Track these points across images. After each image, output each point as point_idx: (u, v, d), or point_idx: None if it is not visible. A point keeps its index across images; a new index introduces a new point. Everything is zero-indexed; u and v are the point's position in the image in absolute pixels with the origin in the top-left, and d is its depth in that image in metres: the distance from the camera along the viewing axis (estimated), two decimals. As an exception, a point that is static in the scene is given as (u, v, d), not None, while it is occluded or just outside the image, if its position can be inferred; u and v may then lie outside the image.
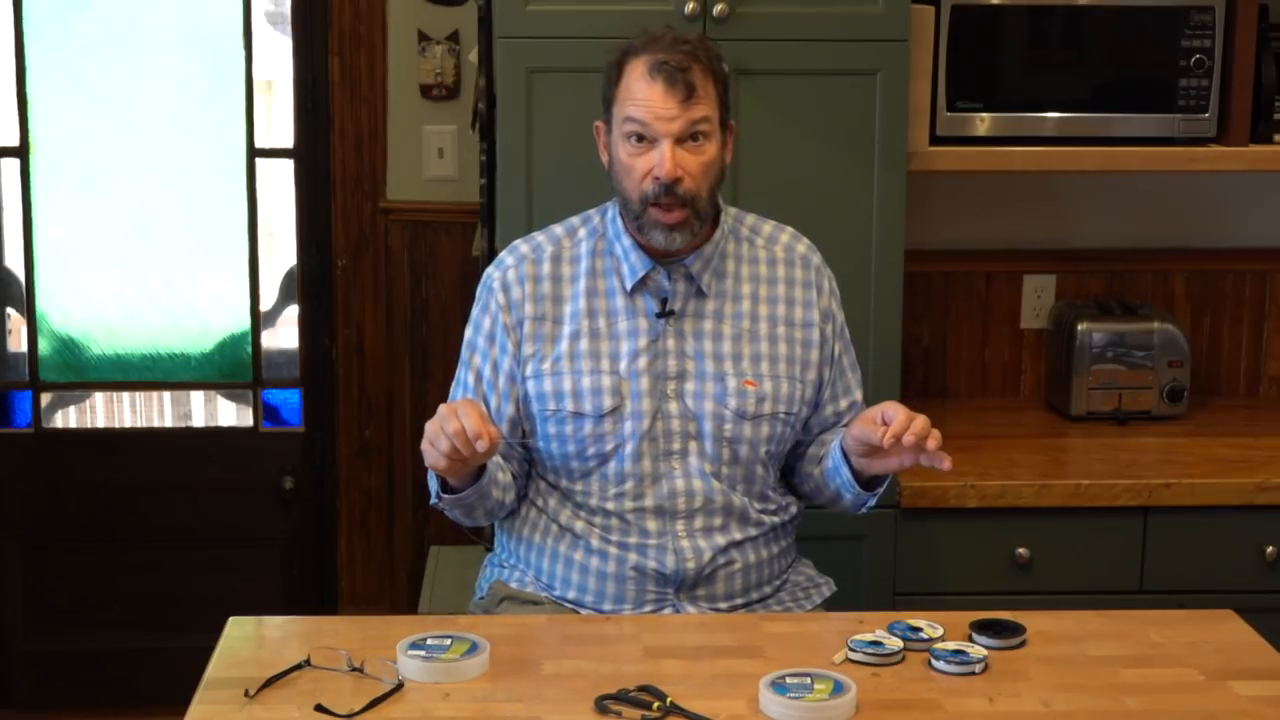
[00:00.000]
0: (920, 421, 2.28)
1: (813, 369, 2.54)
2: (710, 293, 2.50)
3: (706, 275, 2.50)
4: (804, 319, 2.54)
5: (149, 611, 4.02)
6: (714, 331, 2.49)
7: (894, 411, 2.30)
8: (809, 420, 2.57)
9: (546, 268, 2.51)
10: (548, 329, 2.49)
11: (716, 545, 2.47)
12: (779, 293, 2.54)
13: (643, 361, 2.47)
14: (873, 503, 2.52)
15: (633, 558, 2.46)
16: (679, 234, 2.41)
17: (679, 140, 2.38)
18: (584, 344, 2.48)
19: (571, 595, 2.50)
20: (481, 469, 2.37)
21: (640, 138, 2.39)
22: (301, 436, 4.04)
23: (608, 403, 2.45)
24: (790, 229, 2.61)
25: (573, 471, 2.48)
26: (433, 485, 2.45)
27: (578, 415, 2.45)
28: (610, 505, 2.47)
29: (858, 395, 2.61)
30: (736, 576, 2.50)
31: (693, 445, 2.47)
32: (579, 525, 2.49)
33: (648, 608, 2.47)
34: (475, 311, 2.55)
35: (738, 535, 2.49)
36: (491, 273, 2.56)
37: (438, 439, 2.22)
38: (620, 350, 2.47)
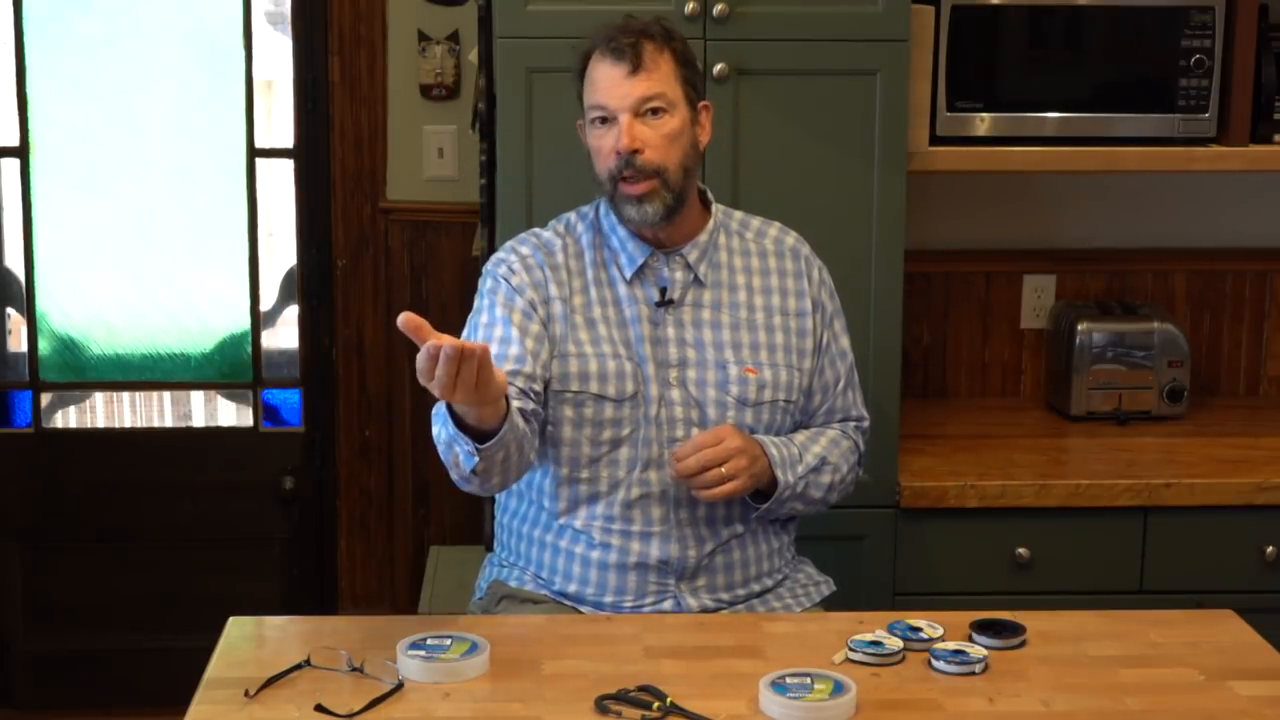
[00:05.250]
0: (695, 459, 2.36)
1: (808, 357, 2.56)
2: (707, 282, 2.52)
3: (703, 265, 2.52)
4: (798, 308, 2.56)
5: (149, 611, 4.02)
6: (713, 320, 2.51)
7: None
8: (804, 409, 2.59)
9: (559, 258, 2.52)
10: (568, 312, 2.48)
11: (718, 535, 2.48)
12: (773, 283, 2.56)
13: (646, 348, 2.48)
14: (764, 508, 2.49)
15: (635, 547, 2.46)
16: (649, 205, 2.42)
17: (638, 114, 2.40)
18: (601, 329, 2.48)
19: (572, 589, 2.50)
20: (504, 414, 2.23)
21: (603, 119, 2.42)
22: (301, 436, 4.04)
23: (630, 387, 2.46)
24: (778, 223, 2.63)
25: (581, 459, 2.47)
26: (463, 451, 2.24)
27: (599, 398, 2.45)
28: (616, 493, 2.47)
29: (834, 392, 2.60)
30: (736, 567, 2.51)
31: (695, 432, 2.47)
32: (580, 519, 2.49)
33: (649, 599, 2.47)
34: (497, 295, 2.48)
35: (739, 525, 2.50)
36: (504, 258, 2.53)
37: (426, 362, 2.15)
38: (629, 337, 2.48)
